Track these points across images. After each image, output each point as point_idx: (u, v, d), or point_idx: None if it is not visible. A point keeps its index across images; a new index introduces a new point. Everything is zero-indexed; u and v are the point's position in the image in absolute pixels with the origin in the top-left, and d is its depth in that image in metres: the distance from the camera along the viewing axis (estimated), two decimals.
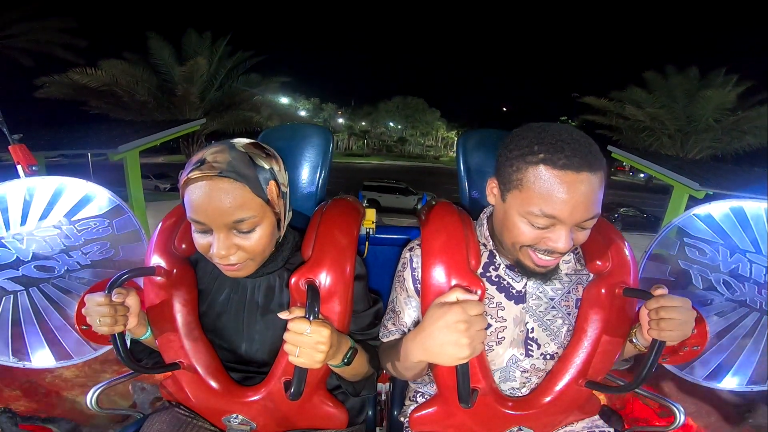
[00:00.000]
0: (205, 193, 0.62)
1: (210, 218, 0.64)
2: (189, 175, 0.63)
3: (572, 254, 0.80)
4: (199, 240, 0.68)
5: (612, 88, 12.19)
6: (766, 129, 9.87)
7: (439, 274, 0.72)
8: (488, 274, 0.78)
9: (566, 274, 0.78)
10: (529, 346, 0.77)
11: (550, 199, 0.61)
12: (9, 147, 1.39)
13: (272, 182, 0.68)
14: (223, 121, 11.26)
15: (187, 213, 0.66)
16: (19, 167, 1.36)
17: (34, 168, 1.35)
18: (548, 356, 0.77)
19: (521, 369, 0.78)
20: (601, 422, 0.85)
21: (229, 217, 0.64)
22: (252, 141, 0.71)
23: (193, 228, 0.68)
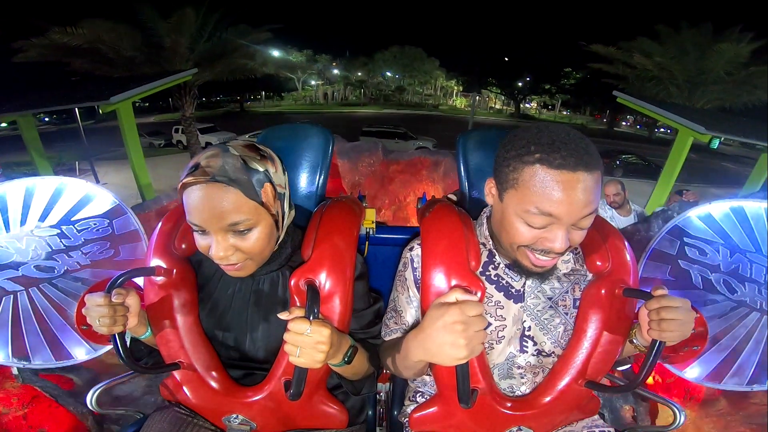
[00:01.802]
0: (200, 198, 0.64)
1: (206, 222, 0.65)
2: (184, 180, 0.65)
3: (571, 254, 0.80)
4: (200, 241, 0.69)
5: (620, 39, 12.00)
6: None
7: (439, 275, 0.72)
8: (487, 273, 0.78)
9: (565, 274, 0.78)
10: (524, 343, 0.77)
11: (546, 198, 0.61)
12: None
13: (267, 184, 0.69)
14: (216, 72, 10.99)
15: (187, 216, 0.67)
16: None
17: None
18: (544, 354, 0.77)
19: (517, 366, 0.78)
20: (601, 422, 0.85)
21: (224, 220, 0.65)
22: (248, 143, 0.71)
23: (193, 231, 0.69)
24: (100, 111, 6.07)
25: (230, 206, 0.64)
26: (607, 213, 3.07)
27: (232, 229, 0.66)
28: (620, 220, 2.97)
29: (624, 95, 6.45)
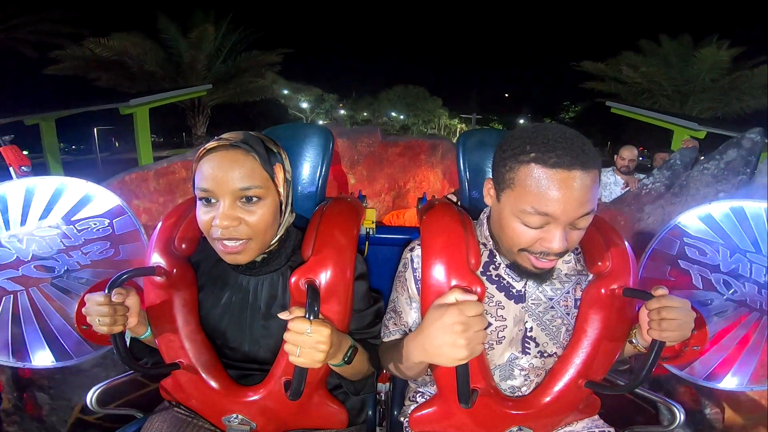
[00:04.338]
0: (218, 162, 0.67)
1: (218, 184, 0.67)
2: (205, 146, 0.69)
3: (572, 254, 0.80)
4: (203, 216, 0.69)
5: (607, 57, 12.39)
6: (764, 89, 9.90)
7: (438, 275, 0.72)
8: (488, 273, 0.78)
9: (566, 275, 0.78)
10: (526, 344, 0.77)
11: (542, 197, 0.61)
12: (0, 149, 1.38)
13: (279, 165, 0.73)
14: (229, 93, 11.63)
15: (197, 184, 0.68)
16: (11, 169, 1.35)
17: (25, 169, 1.34)
18: (546, 355, 0.77)
19: (519, 367, 0.78)
20: (601, 422, 0.85)
21: (237, 183, 0.67)
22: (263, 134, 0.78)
23: (198, 206, 0.70)
24: (120, 112, 6.63)
25: (245, 170, 0.68)
26: (610, 179, 3.09)
27: (243, 195, 0.67)
28: (622, 184, 3.04)
29: (617, 104, 6.62)
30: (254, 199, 0.69)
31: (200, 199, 0.69)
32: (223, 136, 0.71)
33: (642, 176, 3.15)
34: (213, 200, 0.68)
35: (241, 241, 0.69)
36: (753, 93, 10.38)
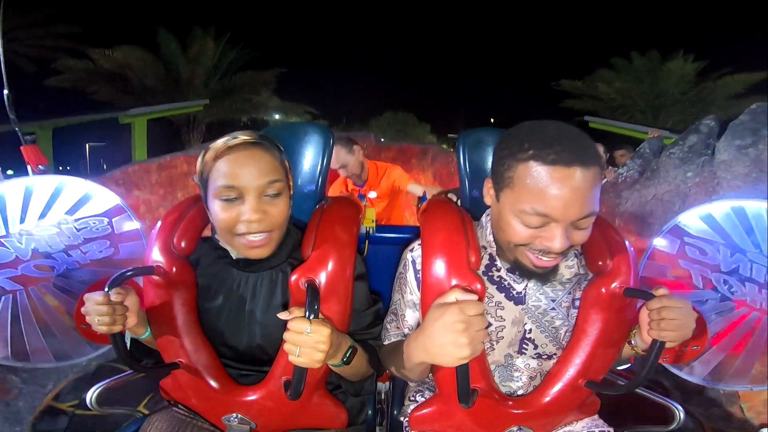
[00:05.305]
0: (242, 159, 0.70)
1: (247, 180, 0.69)
2: (228, 144, 0.70)
3: (575, 259, 0.79)
4: (224, 214, 0.70)
5: (583, 75, 13.20)
6: (727, 100, 10.66)
7: (438, 274, 0.72)
8: (490, 274, 0.77)
9: (567, 279, 0.78)
10: (524, 346, 0.77)
11: (542, 196, 0.60)
12: (21, 147, 1.40)
13: (287, 161, 0.77)
14: (225, 109, 11.82)
15: (218, 183, 0.69)
16: (29, 167, 1.38)
17: (42, 167, 1.37)
18: (544, 356, 0.77)
19: (516, 368, 0.78)
20: (601, 422, 0.84)
21: (263, 178, 0.70)
22: None
23: (216, 205, 0.70)
24: (119, 121, 7.24)
25: (270, 165, 0.71)
26: None
27: (268, 189, 0.70)
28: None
29: (595, 118, 7.66)
30: (277, 192, 0.72)
31: (221, 197, 0.70)
32: (238, 135, 0.72)
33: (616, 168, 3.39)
34: (236, 197, 0.69)
35: (264, 234, 0.71)
36: (718, 104, 10.91)
